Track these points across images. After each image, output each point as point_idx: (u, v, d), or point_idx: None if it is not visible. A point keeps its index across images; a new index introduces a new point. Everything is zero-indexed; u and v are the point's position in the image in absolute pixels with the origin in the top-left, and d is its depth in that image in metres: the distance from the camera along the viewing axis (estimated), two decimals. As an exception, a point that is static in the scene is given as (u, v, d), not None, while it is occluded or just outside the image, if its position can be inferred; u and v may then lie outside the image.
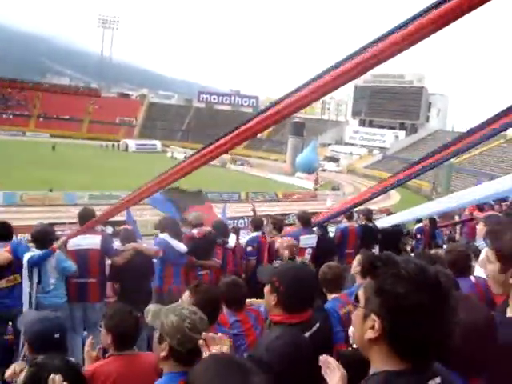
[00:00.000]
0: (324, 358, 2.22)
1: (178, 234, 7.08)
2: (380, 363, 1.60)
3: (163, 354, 2.54)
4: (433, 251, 6.21)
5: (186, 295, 3.43)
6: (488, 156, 64.15)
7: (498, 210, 11.11)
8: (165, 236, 6.93)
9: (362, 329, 1.62)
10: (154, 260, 6.93)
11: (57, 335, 3.19)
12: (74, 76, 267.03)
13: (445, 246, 9.28)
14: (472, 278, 4.41)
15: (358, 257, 4.98)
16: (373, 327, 1.58)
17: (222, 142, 3.93)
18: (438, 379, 1.58)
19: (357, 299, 1.70)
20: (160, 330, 2.57)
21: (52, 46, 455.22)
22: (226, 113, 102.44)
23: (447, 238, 13.28)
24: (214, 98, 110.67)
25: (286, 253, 5.94)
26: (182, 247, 6.92)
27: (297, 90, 3.23)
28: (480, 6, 2.29)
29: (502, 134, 66.17)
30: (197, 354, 2.32)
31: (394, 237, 10.27)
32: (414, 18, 2.46)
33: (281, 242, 6.53)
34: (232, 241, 7.84)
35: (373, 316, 1.58)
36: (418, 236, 13.05)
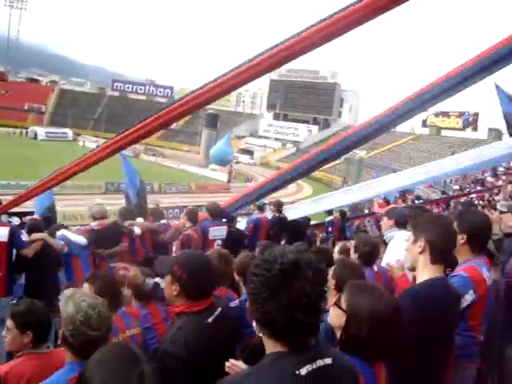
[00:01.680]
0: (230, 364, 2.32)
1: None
2: (267, 345, 1.68)
3: (60, 340, 2.49)
4: (341, 243, 6.36)
5: (86, 286, 3.34)
6: (396, 152, 66.78)
7: (400, 203, 11.58)
8: (63, 231, 6.85)
9: None
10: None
11: None
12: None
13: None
14: (375, 267, 4.60)
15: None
16: None
17: (137, 128, 3.87)
18: (328, 360, 1.65)
19: None
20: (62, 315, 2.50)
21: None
22: (140, 102, 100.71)
23: (355, 230, 13.70)
24: (129, 87, 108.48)
25: None
26: (80, 240, 6.80)
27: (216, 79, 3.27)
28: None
29: (410, 131, 68.62)
30: (91, 348, 2.07)
31: (301, 228, 10.50)
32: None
33: None
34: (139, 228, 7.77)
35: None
36: (329, 229, 13.41)
